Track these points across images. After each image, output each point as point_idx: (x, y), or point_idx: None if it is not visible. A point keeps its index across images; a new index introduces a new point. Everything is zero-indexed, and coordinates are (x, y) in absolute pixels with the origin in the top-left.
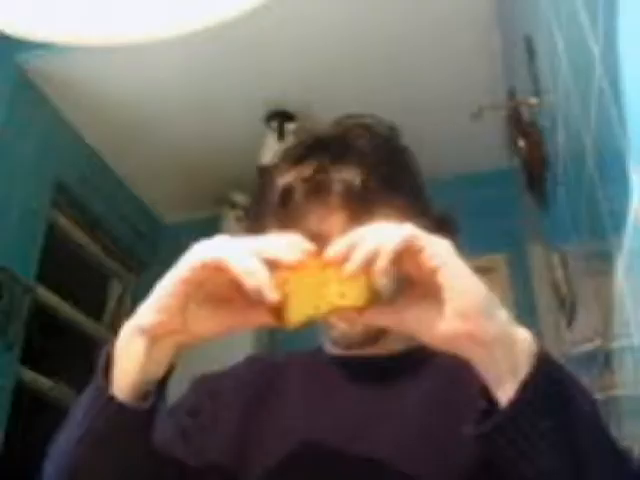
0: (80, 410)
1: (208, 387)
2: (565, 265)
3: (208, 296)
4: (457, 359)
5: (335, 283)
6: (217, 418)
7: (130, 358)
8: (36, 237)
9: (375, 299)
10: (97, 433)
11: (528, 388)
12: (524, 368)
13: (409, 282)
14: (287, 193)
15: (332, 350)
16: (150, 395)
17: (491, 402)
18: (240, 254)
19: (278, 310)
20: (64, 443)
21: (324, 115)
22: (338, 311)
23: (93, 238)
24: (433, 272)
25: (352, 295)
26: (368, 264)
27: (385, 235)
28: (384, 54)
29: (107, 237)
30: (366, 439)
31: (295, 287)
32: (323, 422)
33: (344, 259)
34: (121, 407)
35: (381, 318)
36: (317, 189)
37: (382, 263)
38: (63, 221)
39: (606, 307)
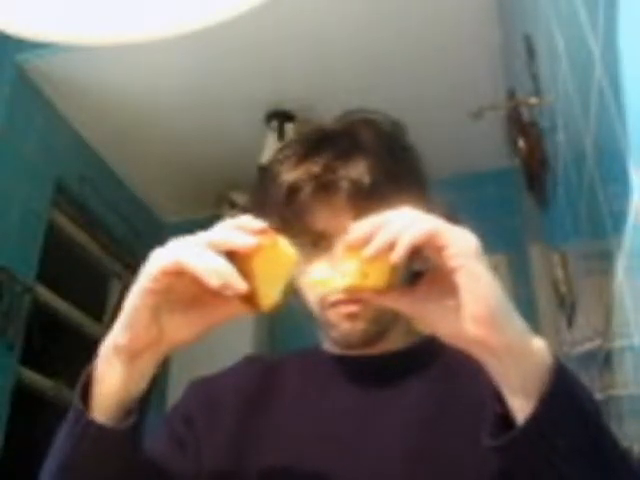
0: (62, 436)
1: (204, 391)
2: (565, 265)
3: (178, 300)
4: (460, 359)
5: (357, 263)
6: (214, 423)
7: (111, 378)
8: (36, 237)
9: (395, 283)
10: (79, 458)
11: (545, 404)
12: (537, 382)
13: (434, 272)
14: (293, 190)
15: (331, 349)
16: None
17: (502, 403)
18: (196, 252)
19: (250, 297)
20: (48, 472)
21: (324, 115)
22: (358, 290)
23: (93, 238)
24: (451, 271)
25: (374, 276)
26: (389, 248)
27: (409, 223)
28: (384, 53)
29: (107, 237)
30: (365, 441)
31: (259, 270)
32: (321, 423)
33: (366, 241)
34: (100, 429)
35: (399, 303)
36: (324, 187)
37: (397, 254)
38: (63, 221)
39: (606, 307)
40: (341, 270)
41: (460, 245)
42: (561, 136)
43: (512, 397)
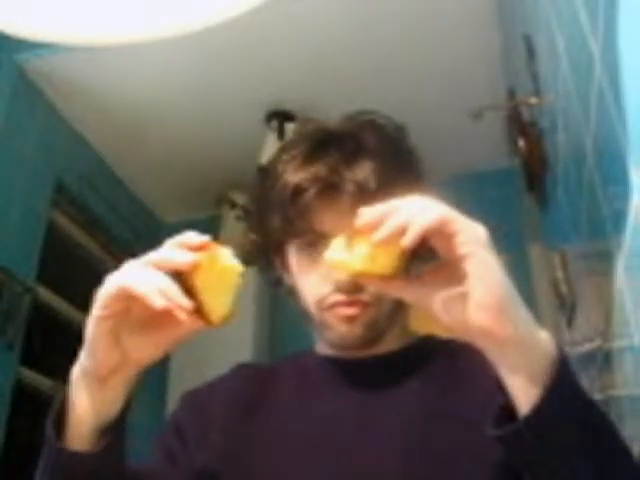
0: (40, 465)
1: (196, 400)
2: (565, 265)
3: (137, 322)
4: (457, 358)
5: (367, 247)
6: (207, 428)
7: (81, 404)
8: (36, 237)
9: (402, 271)
10: None
11: (551, 394)
12: (542, 372)
13: (441, 260)
14: (298, 191)
15: (325, 351)
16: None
17: (505, 394)
18: (140, 274)
19: (201, 312)
20: None
21: (324, 115)
22: (364, 276)
23: (93, 238)
24: (461, 259)
25: (381, 261)
26: (398, 234)
27: (421, 210)
28: (384, 54)
29: (107, 237)
30: (364, 440)
31: (203, 285)
32: (318, 424)
33: (376, 225)
34: (72, 456)
35: (405, 291)
36: (330, 189)
37: (408, 239)
38: (63, 221)
39: (606, 307)
40: (352, 253)
41: (471, 233)
42: (561, 136)
43: (515, 387)
